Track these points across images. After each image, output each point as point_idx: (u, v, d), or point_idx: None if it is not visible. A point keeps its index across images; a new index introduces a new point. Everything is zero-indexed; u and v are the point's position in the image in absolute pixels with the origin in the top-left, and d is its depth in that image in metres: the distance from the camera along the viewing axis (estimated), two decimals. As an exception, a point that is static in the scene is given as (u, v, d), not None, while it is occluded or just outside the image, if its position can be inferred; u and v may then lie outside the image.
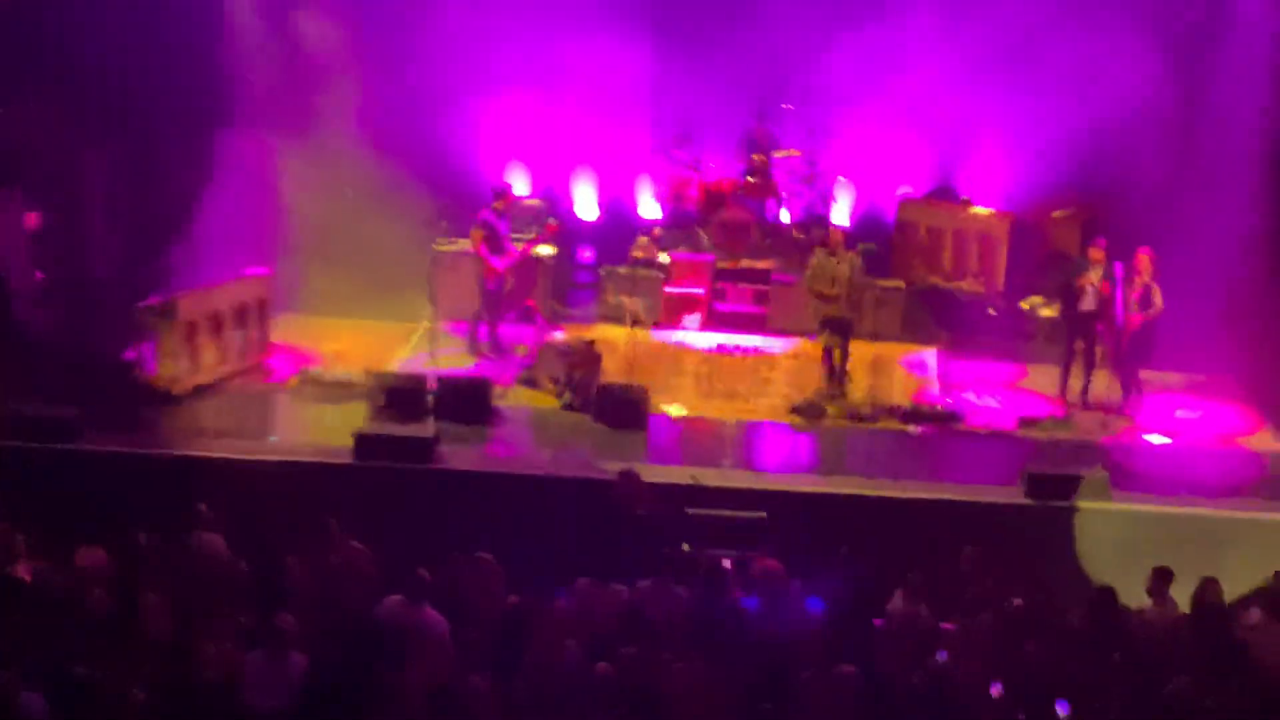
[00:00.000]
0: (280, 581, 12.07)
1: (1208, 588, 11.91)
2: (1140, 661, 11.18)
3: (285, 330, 17.80)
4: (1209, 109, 19.09)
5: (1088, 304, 16.54)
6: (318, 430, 15.62)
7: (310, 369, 16.73)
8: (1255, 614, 12.02)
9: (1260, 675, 10.98)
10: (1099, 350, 16.78)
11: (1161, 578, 11.99)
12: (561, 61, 20.32)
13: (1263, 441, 16.19)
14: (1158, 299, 16.06)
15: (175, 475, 14.05)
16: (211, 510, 12.68)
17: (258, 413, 16.17)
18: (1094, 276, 16.44)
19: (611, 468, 14.05)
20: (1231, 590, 12.22)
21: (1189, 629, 11.66)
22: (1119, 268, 16.18)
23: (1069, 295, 16.78)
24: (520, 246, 17.86)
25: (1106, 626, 11.45)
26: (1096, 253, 16.52)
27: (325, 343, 17.80)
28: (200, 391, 16.17)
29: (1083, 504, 13.99)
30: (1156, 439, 16.08)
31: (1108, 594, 11.72)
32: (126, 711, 10.12)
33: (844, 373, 16.84)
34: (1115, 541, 13.73)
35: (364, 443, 14.51)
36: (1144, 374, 16.57)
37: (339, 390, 16.30)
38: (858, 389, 16.95)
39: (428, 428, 15.01)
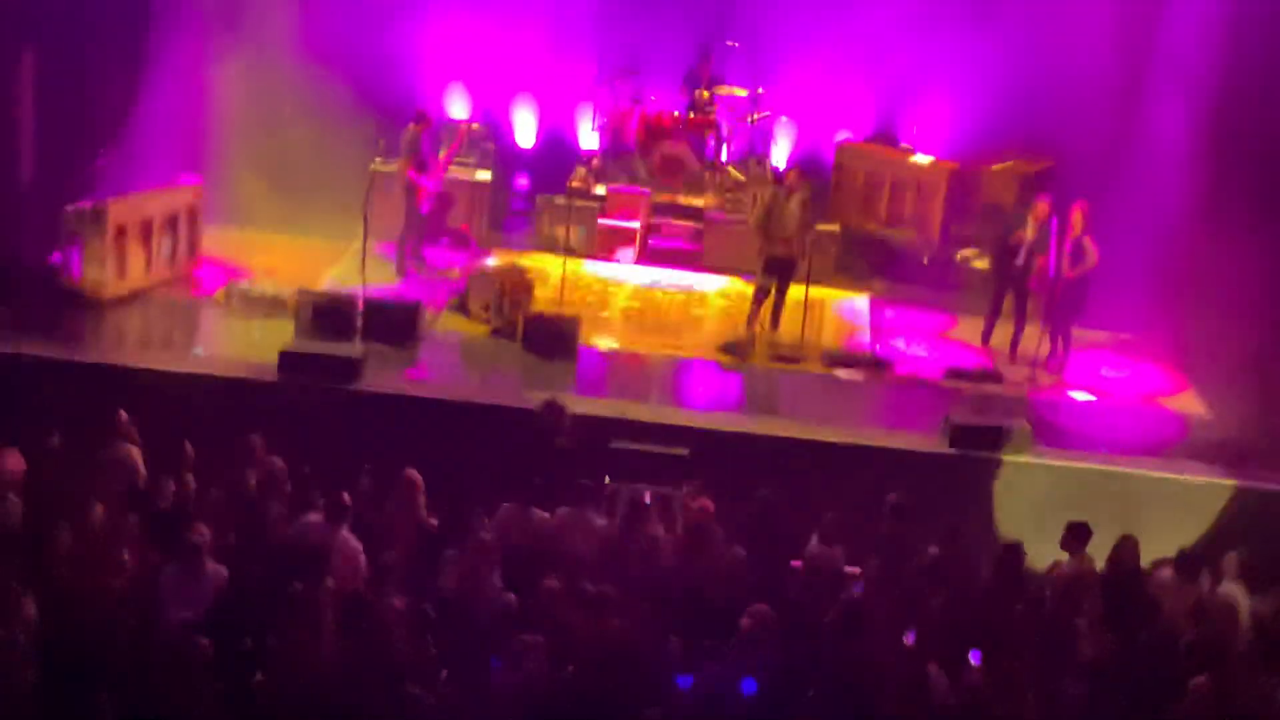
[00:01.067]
0: (199, 495, 11.97)
1: (1124, 545, 12.03)
2: (1048, 616, 11.29)
3: (216, 242, 17.57)
4: (1156, 68, 19.13)
5: (1021, 259, 16.60)
6: (243, 345, 15.46)
7: (239, 283, 16.54)
8: (1166, 573, 12.16)
9: (1167, 633, 11.13)
10: (1030, 304, 16.85)
11: (1075, 533, 12.08)
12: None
13: (1185, 403, 16.34)
14: (1091, 254, 16.12)
15: (96, 383, 13.87)
16: (132, 421, 12.53)
17: (183, 324, 16.01)
18: (1030, 232, 16.50)
19: (537, 397, 13.99)
20: (1149, 549, 12.33)
21: (1102, 585, 11.78)
22: (1054, 222, 16.22)
23: (1002, 249, 16.83)
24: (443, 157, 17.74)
25: (1011, 580, 11.54)
26: (1041, 208, 16.52)
27: (255, 257, 17.58)
28: (126, 299, 15.95)
29: (1005, 456, 14.07)
30: (1081, 396, 16.20)
31: (1014, 549, 11.82)
32: (16, 622, 9.93)
33: (778, 314, 16.86)
34: (1036, 496, 13.83)
35: (289, 360, 14.37)
36: (1074, 331, 16.63)
37: (267, 306, 16.13)
38: (788, 331, 16.98)
39: (355, 348, 14.88)
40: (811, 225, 16.92)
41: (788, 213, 16.54)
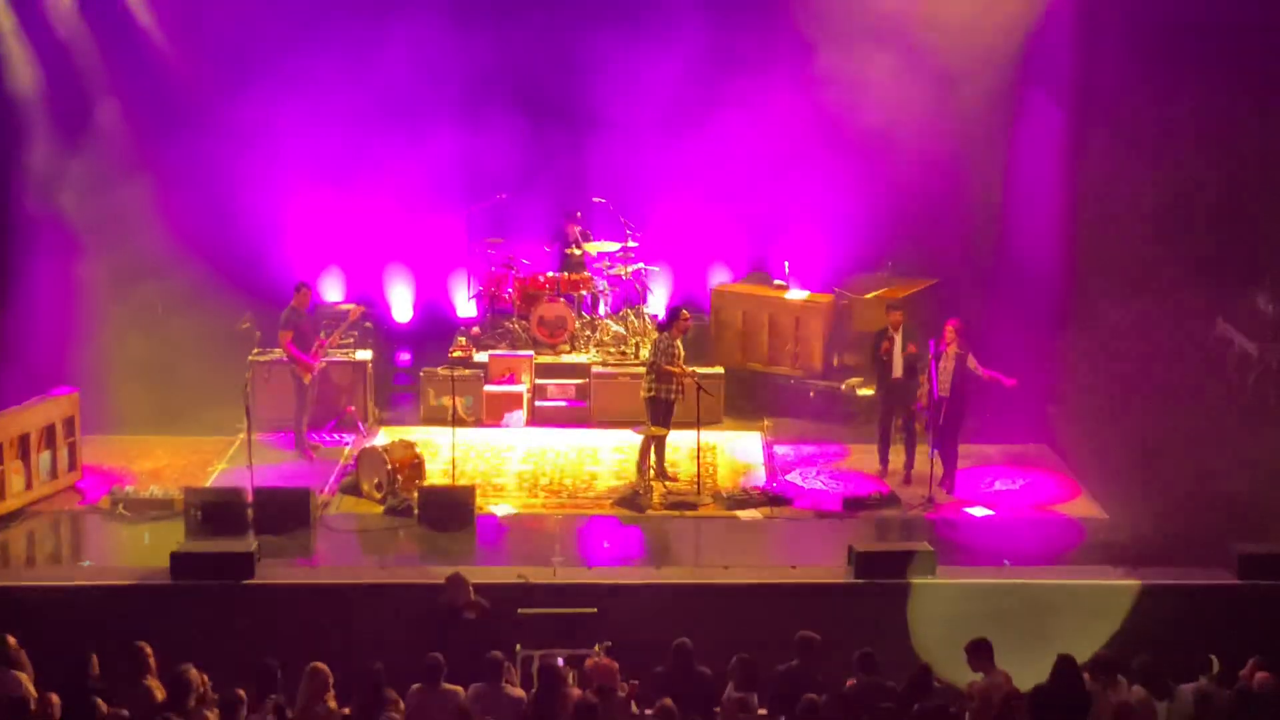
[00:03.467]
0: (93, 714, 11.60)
1: (1064, 664, 11.91)
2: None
3: (97, 451, 17.27)
4: (1015, 184, 19.65)
5: (896, 371, 16.80)
6: (133, 552, 15.18)
7: (123, 489, 16.26)
8: (1085, 679, 12.15)
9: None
10: (918, 425, 17.01)
11: (977, 651, 12.06)
12: (369, 161, 20.33)
13: (1081, 508, 16.48)
14: (973, 364, 16.33)
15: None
16: (23, 644, 12.18)
17: (70, 537, 15.67)
18: (897, 340, 16.73)
19: (439, 571, 13.82)
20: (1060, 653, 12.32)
21: (1021, 698, 11.72)
22: (931, 344, 16.43)
23: (879, 368, 17.05)
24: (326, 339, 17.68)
25: (924, 704, 11.47)
26: (894, 315, 16.85)
27: (138, 461, 17.33)
28: (8, 518, 15.63)
29: (911, 580, 14.08)
30: (978, 511, 16.29)
31: (923, 672, 11.77)
32: None
33: (661, 459, 16.94)
34: (945, 615, 13.81)
35: (181, 561, 14.11)
36: (962, 447, 16.77)
37: (154, 509, 15.87)
38: (681, 477, 16.99)
39: (248, 542, 14.65)
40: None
41: (678, 353, 16.76)
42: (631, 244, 20.51)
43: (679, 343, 16.92)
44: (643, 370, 17.31)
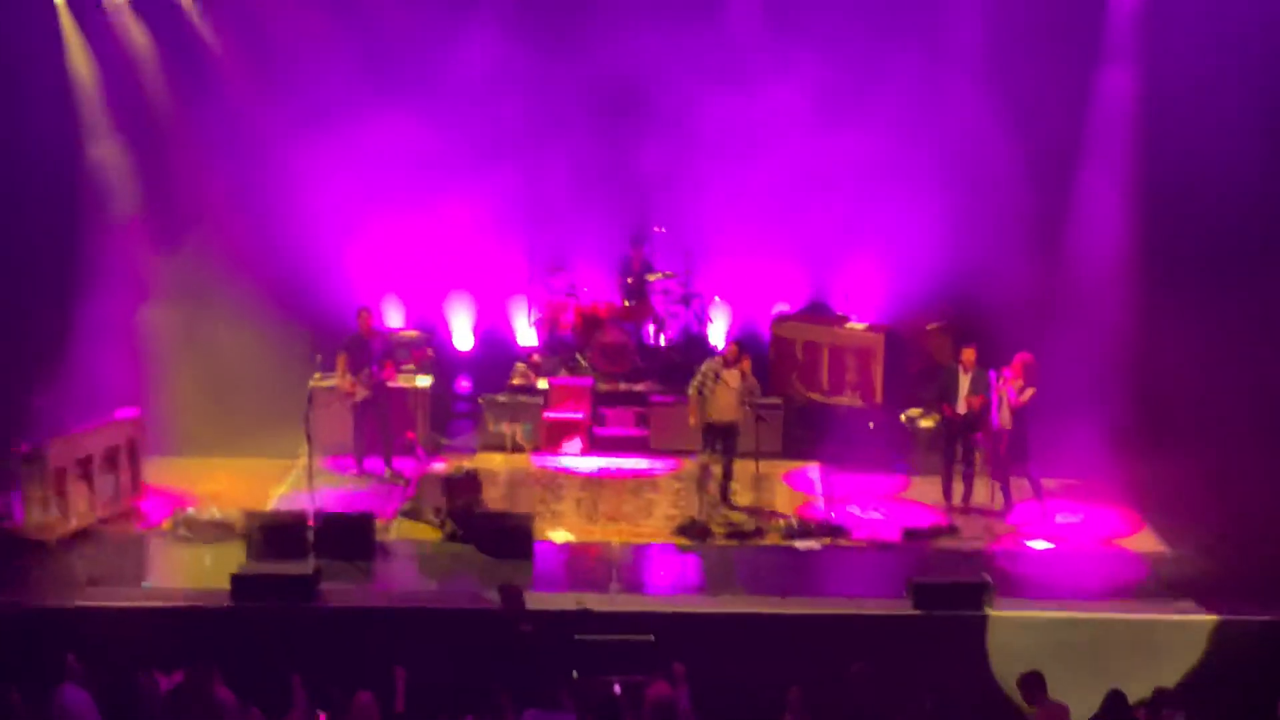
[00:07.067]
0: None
1: (1114, 699, 11.82)
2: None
3: (159, 473, 17.40)
4: (1076, 211, 19.56)
5: (961, 407, 16.70)
6: (194, 573, 15.28)
7: (185, 511, 16.36)
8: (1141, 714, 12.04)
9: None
10: (978, 457, 16.91)
11: (1028, 683, 11.95)
12: (433, 191, 20.40)
13: (1143, 542, 16.33)
14: (1025, 397, 16.21)
15: (47, 628, 13.62)
16: (84, 663, 12.26)
17: (132, 559, 15.78)
18: (965, 385, 16.64)
19: (495, 597, 13.84)
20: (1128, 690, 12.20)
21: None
22: (993, 375, 16.34)
23: (944, 405, 16.94)
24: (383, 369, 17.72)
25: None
26: (968, 355, 16.72)
27: (200, 484, 17.43)
28: (72, 539, 15.77)
29: (970, 612, 13.98)
30: (1039, 544, 16.16)
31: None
32: None
33: (728, 488, 16.88)
34: (1002, 648, 13.72)
35: (242, 584, 14.19)
36: (1023, 480, 16.65)
37: (215, 531, 15.95)
38: (742, 506, 16.94)
39: (307, 565, 14.72)
40: (754, 393, 16.99)
41: (725, 382, 16.66)
42: (690, 273, 20.52)
43: (715, 369, 16.79)
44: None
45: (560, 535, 16.28)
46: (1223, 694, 12.13)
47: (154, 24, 19.51)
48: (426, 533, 16.32)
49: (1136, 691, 12.27)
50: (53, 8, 19.04)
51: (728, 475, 16.96)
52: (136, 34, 19.47)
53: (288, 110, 19.84)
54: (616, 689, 12.62)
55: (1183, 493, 16.92)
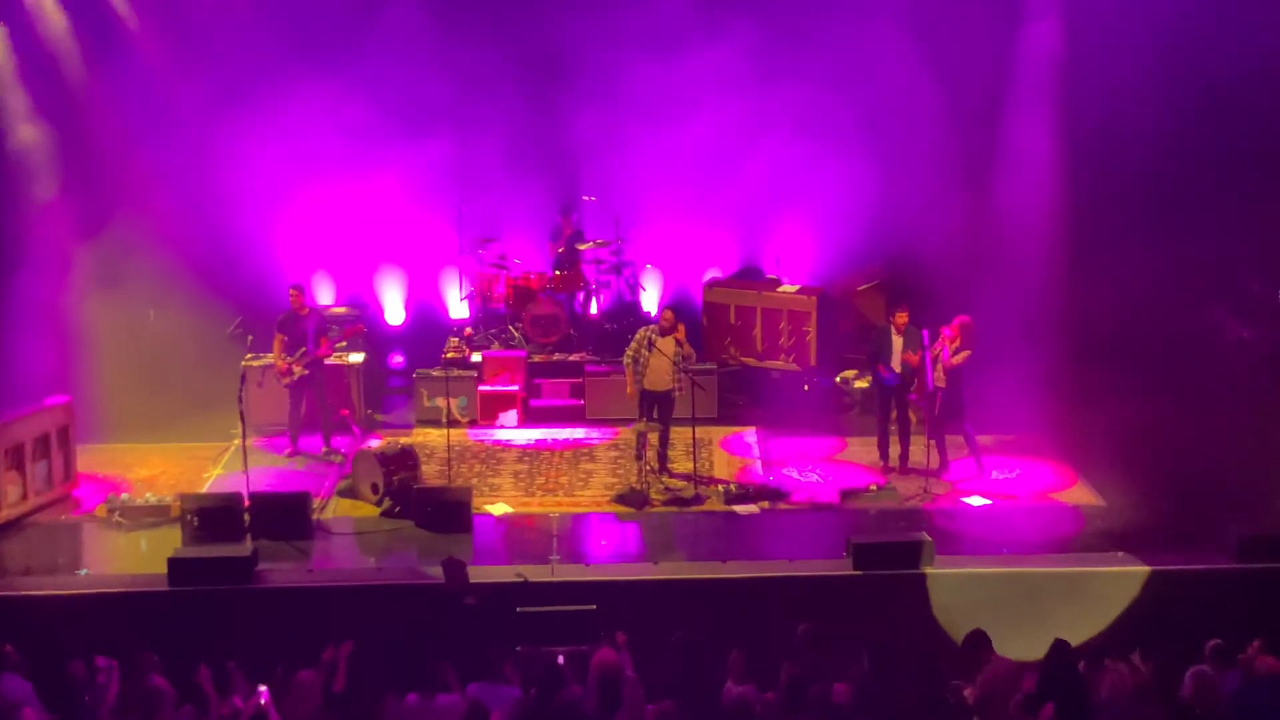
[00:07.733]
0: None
1: (1059, 648, 11.92)
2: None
3: (91, 459, 17.22)
4: (1003, 167, 19.68)
5: (896, 367, 16.75)
6: (130, 559, 15.14)
7: (119, 497, 16.21)
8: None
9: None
10: (913, 416, 17.00)
11: (974, 643, 12.02)
12: (359, 162, 20.26)
13: (1078, 496, 16.47)
14: (959, 358, 16.27)
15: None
16: (22, 653, 12.13)
17: (67, 546, 15.61)
18: (898, 345, 16.70)
19: (437, 573, 13.79)
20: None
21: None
22: (925, 334, 16.41)
23: (879, 366, 16.99)
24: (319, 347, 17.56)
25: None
26: (900, 317, 16.77)
27: (134, 469, 17.27)
28: (5, 529, 15.57)
29: (910, 570, 14.06)
30: (976, 501, 16.28)
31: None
32: None
33: (665, 455, 16.89)
34: (944, 605, 13.83)
35: (179, 568, 14.07)
36: (958, 438, 16.75)
37: (150, 516, 15.82)
38: (680, 473, 16.95)
39: (245, 547, 14.62)
40: (689, 360, 16.97)
41: (660, 350, 16.65)
42: (621, 241, 20.49)
43: (650, 336, 16.79)
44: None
45: (499, 508, 16.24)
46: (1156, 639, 12.27)
47: (69, 2, 19.23)
48: (364, 510, 16.24)
49: (1076, 641, 12.43)
50: (-36, -12, 18.76)
51: (665, 442, 16.97)
52: (52, 12, 19.17)
53: (208, 85, 19.66)
54: (560, 659, 12.61)
55: (1115, 445, 17.09)
